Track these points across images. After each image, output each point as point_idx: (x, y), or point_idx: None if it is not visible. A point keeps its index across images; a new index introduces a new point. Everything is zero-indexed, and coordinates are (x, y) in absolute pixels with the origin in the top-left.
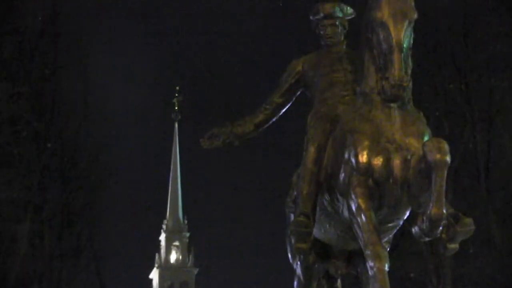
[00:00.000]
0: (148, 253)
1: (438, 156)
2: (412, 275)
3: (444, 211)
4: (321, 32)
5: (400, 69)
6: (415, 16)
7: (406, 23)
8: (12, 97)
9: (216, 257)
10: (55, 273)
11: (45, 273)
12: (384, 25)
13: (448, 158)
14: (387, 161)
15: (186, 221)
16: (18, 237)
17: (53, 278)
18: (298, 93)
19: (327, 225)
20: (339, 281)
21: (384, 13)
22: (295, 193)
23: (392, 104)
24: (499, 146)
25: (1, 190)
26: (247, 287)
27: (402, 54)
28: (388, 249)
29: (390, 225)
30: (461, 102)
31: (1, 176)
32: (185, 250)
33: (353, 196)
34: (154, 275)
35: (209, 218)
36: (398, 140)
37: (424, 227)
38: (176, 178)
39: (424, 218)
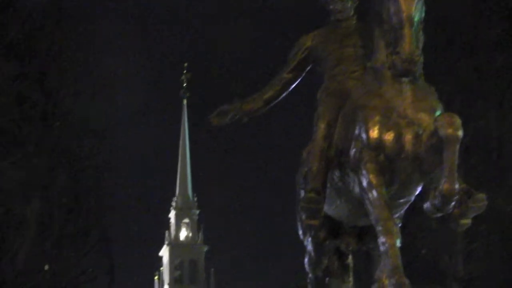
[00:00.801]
0: (158, 231)
1: (450, 130)
2: (423, 251)
3: (456, 186)
4: (331, 7)
5: (411, 43)
6: None
7: None
8: (19, 77)
9: (226, 234)
10: (64, 253)
11: (54, 253)
12: None
13: (460, 133)
14: (398, 136)
15: (195, 199)
16: (27, 218)
17: (62, 258)
18: (308, 68)
19: (338, 201)
20: (350, 257)
21: None
22: (306, 169)
23: (403, 79)
24: (511, 123)
25: (9, 170)
26: (257, 265)
27: (413, 28)
28: (400, 225)
29: (401, 200)
30: (472, 77)
31: (9, 156)
32: (195, 227)
33: (364, 172)
34: (164, 252)
35: (219, 195)
36: (409, 115)
37: (436, 202)
38: (185, 155)
39: (436, 193)
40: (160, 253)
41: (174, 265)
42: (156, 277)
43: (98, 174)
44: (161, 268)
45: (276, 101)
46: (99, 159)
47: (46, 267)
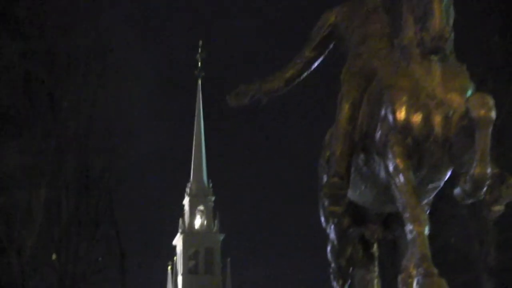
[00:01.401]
0: (171, 219)
1: (482, 112)
2: (453, 240)
3: (488, 171)
4: None
5: (441, 19)
6: None
7: None
8: (25, 55)
9: (242, 222)
10: (73, 242)
11: (62, 242)
12: None
13: (493, 114)
14: (427, 118)
15: (211, 185)
16: (34, 205)
17: (71, 247)
18: (331, 46)
19: (363, 187)
20: (375, 246)
21: None
22: (328, 153)
23: (432, 57)
24: None
25: (15, 154)
26: (275, 253)
27: (443, 4)
28: (428, 212)
29: (430, 186)
30: (506, 56)
31: (15, 139)
32: (210, 215)
33: (390, 156)
34: (178, 241)
35: (235, 181)
36: (439, 96)
37: (467, 188)
38: (200, 139)
39: (467, 178)
40: (174, 242)
41: (188, 255)
42: (169, 267)
43: (109, 159)
44: (175, 258)
45: (298, 80)
46: (110, 143)
47: (54, 257)
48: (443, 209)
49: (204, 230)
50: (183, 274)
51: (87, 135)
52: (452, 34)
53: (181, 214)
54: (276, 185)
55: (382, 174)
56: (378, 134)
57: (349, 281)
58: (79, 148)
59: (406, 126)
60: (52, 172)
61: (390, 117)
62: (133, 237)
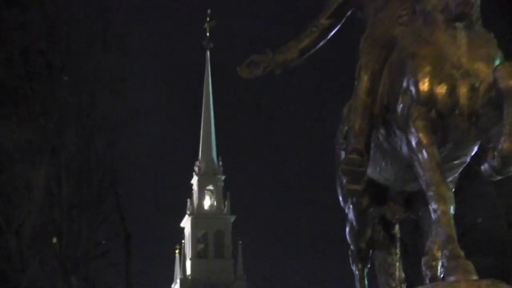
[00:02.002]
0: (178, 199)
1: (511, 82)
2: (479, 220)
3: None
4: None
5: None
6: None
7: None
8: (24, 26)
9: (254, 202)
10: (74, 223)
11: (63, 223)
12: None
13: None
14: (452, 89)
15: (220, 163)
16: (33, 184)
17: (73, 229)
18: (349, 13)
19: (383, 163)
20: (397, 227)
21: None
22: (346, 128)
23: (457, 24)
24: None
25: (13, 130)
26: (289, 235)
27: None
28: (453, 190)
29: (455, 162)
30: None
31: (13, 114)
32: (220, 195)
33: (413, 130)
34: (186, 223)
35: (246, 159)
36: (464, 65)
37: (495, 164)
38: (209, 115)
39: (495, 154)
40: (182, 224)
41: (197, 238)
42: (177, 251)
43: (111, 136)
44: (183, 241)
45: (313, 50)
46: (114, 119)
47: (55, 240)
48: (469, 187)
49: (213, 211)
50: (191, 258)
51: (89, 110)
52: (478, 0)
53: (189, 195)
54: (291, 162)
55: (404, 149)
56: (399, 107)
57: (369, 264)
58: (81, 124)
59: (430, 98)
60: (52, 150)
61: (413, 89)
62: (138, 218)
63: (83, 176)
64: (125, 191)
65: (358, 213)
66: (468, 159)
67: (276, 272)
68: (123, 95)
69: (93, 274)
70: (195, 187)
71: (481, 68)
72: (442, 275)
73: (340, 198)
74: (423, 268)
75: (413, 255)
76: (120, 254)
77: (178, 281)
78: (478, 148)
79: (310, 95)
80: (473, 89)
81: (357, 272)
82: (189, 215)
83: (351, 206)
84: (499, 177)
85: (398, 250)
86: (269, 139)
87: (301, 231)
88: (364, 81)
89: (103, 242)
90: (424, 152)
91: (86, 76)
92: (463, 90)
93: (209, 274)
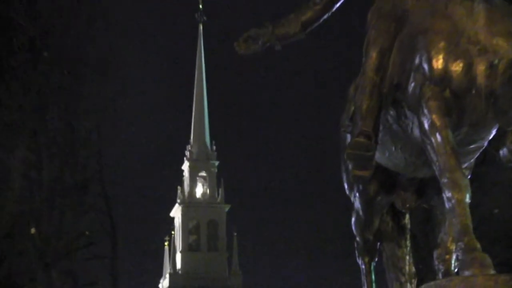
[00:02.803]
0: (168, 187)
1: None
2: (496, 210)
3: None
4: None
5: None
6: None
7: None
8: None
9: (251, 190)
10: (55, 212)
11: (43, 212)
12: None
13: None
14: (469, 67)
15: (214, 147)
16: (11, 169)
17: (54, 218)
18: None
19: (393, 148)
20: (407, 216)
21: None
22: (353, 108)
23: None
24: None
25: None
26: (289, 227)
27: None
28: (469, 177)
29: (471, 146)
30: None
31: None
32: (214, 182)
33: (425, 111)
34: (176, 212)
35: (242, 143)
36: (482, 41)
37: None
38: (202, 94)
39: None
40: (172, 214)
41: (188, 229)
42: (166, 243)
43: (96, 117)
44: (173, 232)
45: (317, 24)
46: (100, 99)
47: (33, 230)
48: (486, 174)
49: (206, 199)
50: (182, 251)
51: (72, 89)
52: None
53: (180, 182)
54: (290, 146)
55: (416, 132)
56: (411, 86)
57: (376, 257)
58: (64, 104)
59: (444, 76)
60: (32, 130)
61: (425, 66)
62: (125, 207)
63: (66, 161)
64: (111, 177)
65: (365, 201)
66: (485, 144)
67: (274, 266)
68: (109, 74)
69: (76, 268)
70: (186, 174)
71: (500, 43)
72: (456, 270)
73: (346, 186)
74: (436, 262)
75: (425, 248)
76: (105, 246)
77: (167, 276)
78: (496, 132)
79: (312, 73)
80: (491, 67)
81: (363, 266)
82: (179, 204)
83: (357, 194)
84: None
85: (408, 242)
86: (267, 121)
87: (302, 222)
88: (372, 57)
89: (87, 233)
90: (437, 135)
91: (68, 53)
92: (480, 68)
93: (201, 268)
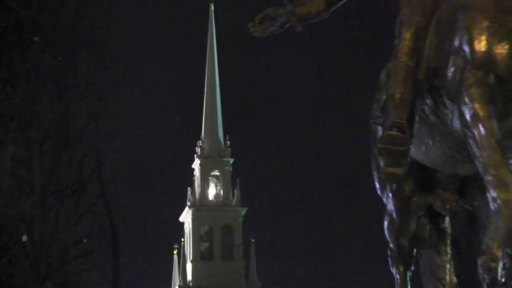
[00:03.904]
0: (177, 188)
1: None
2: None
3: None
4: None
5: None
6: None
7: None
8: None
9: (270, 192)
10: (49, 216)
11: (35, 217)
12: None
13: None
14: None
15: (228, 142)
16: None
17: (47, 223)
18: None
19: (430, 141)
20: (447, 219)
21: None
22: (384, 97)
23: None
24: None
25: None
26: (311, 231)
27: None
28: None
29: None
30: None
31: None
32: (228, 182)
33: (466, 99)
34: (186, 217)
35: (260, 138)
36: None
37: None
38: (214, 83)
39: None
40: (181, 219)
41: (199, 235)
42: (175, 251)
43: (94, 108)
44: (182, 239)
45: (343, 2)
46: (97, 87)
47: (24, 238)
48: None
49: (220, 202)
50: (193, 261)
51: (66, 77)
52: None
53: (190, 182)
54: (313, 141)
55: (456, 124)
56: (450, 72)
57: (413, 266)
58: (57, 94)
59: (487, 60)
60: (21, 125)
61: (466, 49)
62: (128, 210)
63: (60, 157)
64: (112, 176)
65: (400, 203)
66: None
67: (296, 276)
68: (107, 58)
69: (73, 279)
70: (197, 173)
71: None
72: (503, 279)
73: (377, 185)
74: (480, 271)
75: (468, 255)
76: (106, 254)
77: None
78: None
79: (337, 59)
80: None
81: (397, 276)
82: (189, 207)
83: (390, 195)
84: None
85: (448, 249)
86: (288, 112)
87: (325, 226)
88: (406, 39)
89: (85, 240)
90: (480, 126)
91: (62, 37)
92: None
93: (215, 280)
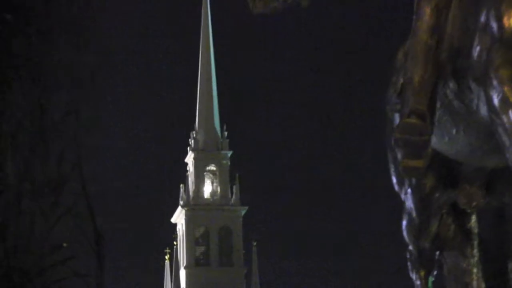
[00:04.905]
0: (168, 185)
1: None
2: None
3: None
4: None
5: None
6: None
7: None
8: None
9: (273, 189)
10: (23, 219)
11: (8, 219)
12: None
13: None
14: None
15: (226, 133)
16: None
17: (21, 226)
18: None
19: (454, 130)
20: (473, 218)
21: None
22: (402, 80)
23: None
24: None
25: None
26: (318, 233)
27: None
28: None
29: None
30: None
31: None
32: (226, 178)
33: (494, 82)
34: (179, 218)
35: (261, 127)
36: None
37: None
38: (209, 66)
39: None
40: (173, 220)
41: (194, 238)
42: (167, 257)
43: (74, 96)
44: (175, 243)
45: None
46: (77, 71)
47: None
48: None
49: (217, 201)
50: (187, 267)
51: (41, 59)
52: None
53: (183, 178)
54: (319, 131)
55: (483, 110)
56: (476, 51)
57: (435, 270)
58: (31, 79)
59: None
60: None
61: (494, 25)
62: (113, 211)
63: (35, 152)
64: (94, 172)
65: (420, 200)
66: None
67: (304, 283)
68: (87, 37)
69: None
70: (190, 168)
71: None
72: None
73: (394, 180)
74: (511, 275)
75: (497, 258)
76: (89, 261)
77: None
78: None
79: (339, 45)
80: None
81: (418, 282)
82: (182, 206)
83: (409, 191)
84: None
85: (475, 251)
86: (292, 100)
87: (337, 225)
88: (426, 15)
89: (65, 244)
90: (510, 112)
91: (36, 14)
92: None
93: None
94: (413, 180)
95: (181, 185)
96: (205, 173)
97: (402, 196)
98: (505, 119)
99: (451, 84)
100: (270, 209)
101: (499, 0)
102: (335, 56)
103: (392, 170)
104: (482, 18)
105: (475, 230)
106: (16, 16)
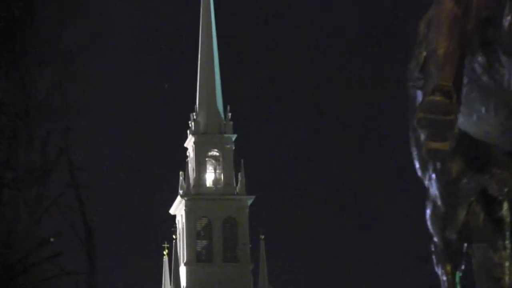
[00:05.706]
0: (166, 172)
1: None
2: None
3: None
4: None
5: None
6: None
7: None
8: None
9: (281, 176)
10: (7, 209)
11: None
12: None
13: None
14: None
15: (229, 115)
16: None
17: (4, 219)
18: None
19: (483, 108)
20: (505, 205)
21: None
22: (425, 53)
23: None
24: None
25: None
26: (330, 224)
27: None
28: None
29: None
30: None
31: None
32: (230, 165)
33: None
34: (178, 209)
35: (267, 108)
36: None
37: None
38: (210, 41)
39: None
40: (172, 211)
41: (196, 231)
42: (165, 252)
43: (61, 76)
44: (174, 236)
45: None
46: (63, 46)
47: None
48: None
49: (220, 190)
50: (187, 263)
51: (25, 33)
52: None
53: (183, 165)
54: (330, 113)
55: None
56: (506, 21)
57: (463, 264)
58: (13, 58)
59: None
60: None
61: None
62: (105, 202)
63: (18, 137)
64: (83, 159)
65: (445, 186)
66: None
67: (315, 279)
68: (74, 11)
69: (37, 287)
70: (190, 153)
71: None
72: None
73: (417, 164)
74: None
75: None
76: (79, 257)
77: None
78: None
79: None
80: None
81: (444, 277)
82: (182, 196)
83: (434, 176)
84: None
85: (507, 243)
86: (300, 77)
87: (348, 217)
88: None
89: (52, 239)
90: None
91: None
92: None
93: (214, 286)
94: (438, 164)
95: (181, 173)
96: (206, 159)
97: (426, 182)
98: None
99: (480, 58)
100: (279, 199)
101: None
102: (341, 38)
103: (414, 153)
104: None
105: (507, 219)
106: None
